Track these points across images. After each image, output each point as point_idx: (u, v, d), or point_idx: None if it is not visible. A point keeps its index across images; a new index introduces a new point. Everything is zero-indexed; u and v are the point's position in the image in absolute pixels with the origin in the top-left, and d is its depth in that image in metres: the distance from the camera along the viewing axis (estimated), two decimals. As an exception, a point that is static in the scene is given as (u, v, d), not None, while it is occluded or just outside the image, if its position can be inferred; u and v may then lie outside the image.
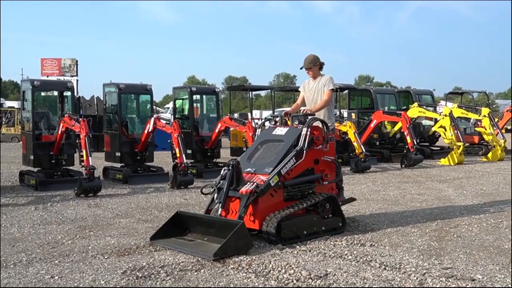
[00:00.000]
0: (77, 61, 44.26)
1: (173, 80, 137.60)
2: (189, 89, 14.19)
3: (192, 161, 13.27)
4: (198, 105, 15.23)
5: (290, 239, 6.15)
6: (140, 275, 4.93)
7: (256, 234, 6.24)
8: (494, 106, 44.92)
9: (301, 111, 7.08)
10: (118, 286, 4.66)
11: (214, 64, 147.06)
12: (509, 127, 24.04)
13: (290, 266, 5.17)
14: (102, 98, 15.01)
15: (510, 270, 5.07)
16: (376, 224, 7.27)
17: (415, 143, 14.90)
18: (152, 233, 6.45)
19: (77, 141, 10.59)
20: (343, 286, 4.63)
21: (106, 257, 5.64)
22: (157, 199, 9.74)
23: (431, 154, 17.84)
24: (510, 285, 4.65)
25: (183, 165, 11.04)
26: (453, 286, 4.62)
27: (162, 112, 35.01)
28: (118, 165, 12.67)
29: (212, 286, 4.66)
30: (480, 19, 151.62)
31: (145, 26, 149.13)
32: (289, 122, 7.26)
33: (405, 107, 18.59)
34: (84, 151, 10.10)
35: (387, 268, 5.12)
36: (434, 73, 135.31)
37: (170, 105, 29.40)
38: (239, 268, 5.16)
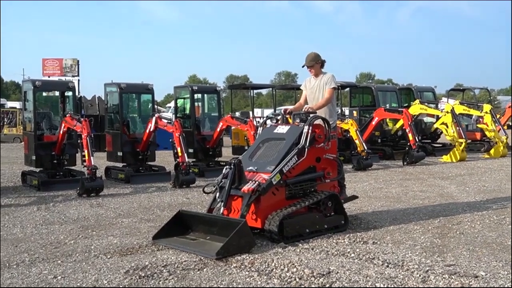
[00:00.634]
0: (78, 61, 44.36)
1: (175, 79, 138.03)
2: (190, 88, 14.18)
3: (194, 160, 13.26)
4: (200, 104, 15.21)
5: (293, 237, 6.14)
6: (143, 275, 4.93)
7: (259, 233, 6.24)
8: (496, 102, 44.88)
9: (303, 110, 7.07)
10: (121, 286, 4.66)
11: (215, 63, 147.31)
12: (511, 124, 24.00)
13: (293, 264, 5.17)
14: (103, 98, 15.03)
15: (511, 266, 5.07)
16: (378, 221, 7.26)
17: (417, 140, 14.88)
18: (154, 232, 6.45)
19: (79, 141, 10.59)
20: (346, 284, 4.62)
21: (108, 256, 5.64)
22: (159, 198, 9.75)
23: (433, 151, 17.82)
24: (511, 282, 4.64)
25: (185, 164, 11.04)
26: (456, 283, 4.61)
27: (164, 112, 35.04)
28: (120, 164, 12.67)
29: (215, 285, 4.65)
30: (482, 15, 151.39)
31: (146, 26, 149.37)
32: (290, 120, 7.26)
33: (406, 104, 18.56)
34: (86, 151, 10.10)
35: (389, 266, 5.11)
36: (435, 70, 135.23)
37: (172, 104, 29.43)
38: (242, 266, 5.16)
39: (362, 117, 17.88)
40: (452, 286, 4.55)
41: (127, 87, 12.73)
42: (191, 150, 13.07)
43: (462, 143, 15.83)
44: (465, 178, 11.92)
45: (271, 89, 22.79)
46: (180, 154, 11.12)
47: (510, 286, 4.53)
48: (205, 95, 15.45)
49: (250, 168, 6.42)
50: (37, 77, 15.67)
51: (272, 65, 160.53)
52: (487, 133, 17.90)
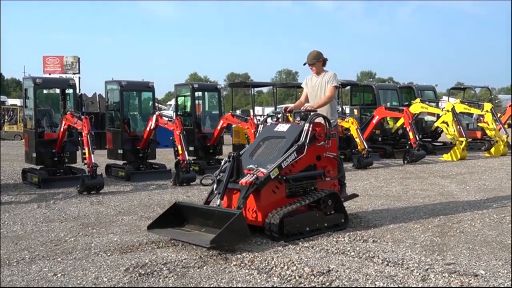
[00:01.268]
0: (79, 58, 44.36)
1: (175, 77, 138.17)
2: (191, 86, 14.18)
3: (195, 158, 13.27)
4: (200, 102, 15.21)
5: (293, 236, 6.14)
6: (143, 272, 4.93)
7: (259, 231, 6.24)
8: (496, 101, 44.78)
9: (304, 108, 7.07)
10: (121, 283, 4.67)
11: (216, 61, 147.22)
12: (511, 122, 23.96)
13: (293, 262, 5.17)
14: (104, 96, 15.04)
15: (511, 265, 5.08)
16: (378, 220, 7.27)
17: (418, 138, 14.88)
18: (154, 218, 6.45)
19: (79, 138, 10.60)
20: (345, 282, 4.62)
21: (108, 254, 5.65)
22: (160, 196, 9.75)
23: (433, 149, 17.82)
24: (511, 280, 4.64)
25: (185, 162, 11.05)
26: (456, 281, 4.61)
27: (164, 109, 34.98)
28: (120, 162, 12.68)
29: (215, 283, 4.66)
30: (483, 14, 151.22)
31: (147, 23, 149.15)
32: (290, 118, 7.26)
33: (407, 103, 18.55)
34: (86, 149, 10.11)
35: (389, 264, 5.11)
36: (436, 68, 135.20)
37: (172, 102, 29.43)
38: (242, 264, 5.16)
39: (363, 116, 17.88)
40: (451, 284, 4.55)
41: (128, 85, 12.74)
42: (191, 148, 13.08)
43: (462, 141, 15.83)
44: (466, 177, 11.92)
45: (271, 87, 22.78)
46: (180, 152, 11.12)
47: (510, 285, 4.53)
48: (206, 93, 15.45)
49: (250, 166, 6.42)
50: (38, 75, 15.71)
51: (273, 63, 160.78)
52: (487, 132, 17.89)
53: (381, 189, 10.33)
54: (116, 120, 12.78)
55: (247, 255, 5.44)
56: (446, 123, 16.43)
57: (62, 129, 11.07)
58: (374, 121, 16.10)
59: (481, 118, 18.26)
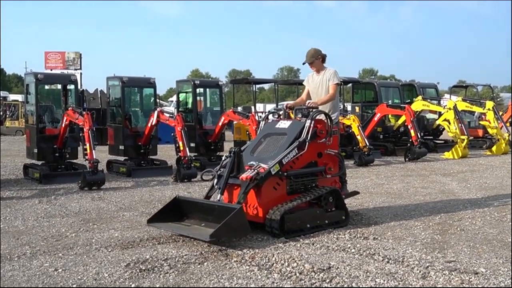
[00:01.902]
0: (80, 54, 44.27)
1: (177, 73, 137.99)
2: (192, 83, 14.18)
3: (196, 154, 13.28)
4: (202, 98, 15.21)
5: (294, 232, 6.15)
6: (144, 268, 4.94)
7: (260, 227, 6.24)
8: (498, 99, 44.70)
9: (306, 104, 7.06)
10: (121, 279, 4.68)
11: (217, 57, 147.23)
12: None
13: (293, 259, 5.18)
14: (105, 92, 15.03)
15: (510, 263, 5.08)
16: (379, 217, 7.27)
17: (419, 136, 14.87)
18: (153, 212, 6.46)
19: (80, 134, 10.60)
20: (346, 279, 4.63)
21: (109, 250, 5.66)
22: (161, 192, 9.76)
23: (435, 147, 17.80)
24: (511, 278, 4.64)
25: (186, 158, 11.05)
26: (456, 279, 4.61)
27: (166, 106, 34.97)
28: (121, 158, 12.69)
29: (215, 279, 4.66)
30: (485, 11, 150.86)
31: (149, 20, 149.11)
32: (292, 115, 7.26)
33: (409, 101, 18.53)
34: (87, 145, 10.11)
35: (390, 261, 5.12)
36: (438, 66, 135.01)
37: (174, 98, 29.38)
38: (242, 261, 5.17)
39: (365, 113, 17.86)
40: (452, 282, 4.55)
41: (129, 81, 12.73)
42: (193, 144, 13.10)
43: (464, 139, 15.81)
44: (467, 175, 11.91)
45: (273, 84, 22.77)
46: (181, 148, 11.12)
47: (510, 283, 4.53)
48: (207, 89, 15.44)
49: (252, 162, 6.41)
50: (40, 70, 15.71)
51: (274, 60, 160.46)
52: (489, 130, 17.87)
53: (382, 186, 10.32)
54: (118, 116, 12.78)
55: (248, 252, 5.44)
56: (448, 121, 16.41)
57: (63, 125, 11.08)
58: (376, 118, 16.09)
59: (483, 116, 18.25)
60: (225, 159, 6.57)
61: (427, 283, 4.54)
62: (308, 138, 6.54)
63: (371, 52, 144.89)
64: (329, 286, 4.49)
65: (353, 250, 5.51)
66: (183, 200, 6.59)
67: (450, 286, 4.47)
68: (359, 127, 14.30)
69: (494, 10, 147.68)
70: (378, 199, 8.83)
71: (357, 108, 18.24)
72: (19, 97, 35.53)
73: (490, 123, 17.49)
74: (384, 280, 4.59)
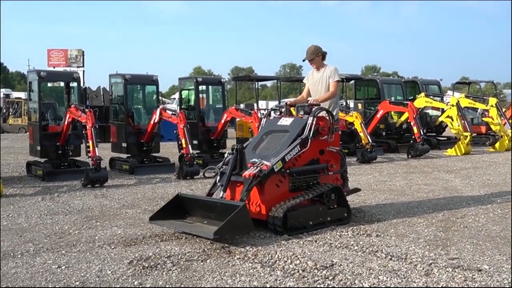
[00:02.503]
0: (83, 51, 44.30)
1: (179, 70, 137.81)
2: (195, 80, 14.17)
3: (198, 151, 13.28)
4: (204, 95, 15.22)
5: (296, 230, 6.14)
6: (147, 265, 4.95)
7: (262, 224, 6.24)
8: (501, 96, 44.56)
9: (308, 102, 7.06)
10: (124, 276, 4.68)
11: (220, 54, 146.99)
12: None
13: (296, 256, 5.18)
14: (108, 89, 15.04)
15: (510, 259, 5.07)
16: (382, 214, 7.26)
17: (422, 133, 14.83)
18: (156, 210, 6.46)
19: (83, 131, 10.61)
20: (349, 276, 4.62)
21: (112, 247, 5.66)
22: (163, 189, 9.77)
23: (437, 144, 17.78)
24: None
25: (189, 155, 11.05)
26: (460, 276, 4.61)
27: (168, 103, 35.00)
28: (124, 155, 12.69)
29: (218, 276, 4.67)
30: (488, 8, 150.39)
31: (151, 17, 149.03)
32: (293, 112, 7.25)
33: (411, 97, 18.48)
34: (90, 142, 10.12)
35: (393, 259, 5.11)
36: (441, 63, 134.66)
37: (176, 95, 29.39)
38: (245, 258, 5.17)
39: (367, 110, 17.83)
40: (455, 279, 4.54)
41: (132, 78, 12.74)
42: (195, 142, 13.10)
43: (467, 136, 15.78)
44: (470, 172, 11.89)
45: (276, 81, 22.75)
46: (184, 145, 11.12)
47: (511, 280, 4.52)
48: (210, 86, 15.44)
49: (254, 160, 6.40)
50: (42, 68, 15.71)
51: (277, 57, 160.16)
52: (492, 126, 17.83)
53: (385, 183, 10.31)
54: (120, 114, 12.78)
55: (251, 249, 5.45)
56: (451, 117, 16.38)
57: (66, 122, 11.08)
58: (378, 115, 16.05)
59: (486, 113, 18.20)
60: (227, 157, 6.57)
61: (430, 280, 4.54)
62: (311, 135, 6.54)
63: (374, 49, 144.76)
64: (332, 283, 4.49)
65: (356, 247, 5.51)
66: (185, 198, 6.59)
67: (453, 283, 4.46)
68: (362, 124, 14.28)
69: (497, 6, 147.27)
70: (381, 196, 8.82)
71: (359, 105, 18.20)
72: (22, 95, 35.56)
73: (493, 119, 17.45)
74: (387, 277, 4.58)
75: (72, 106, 10.91)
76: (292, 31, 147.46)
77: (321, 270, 4.77)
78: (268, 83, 74.78)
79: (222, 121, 13.33)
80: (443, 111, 17.32)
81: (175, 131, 11.39)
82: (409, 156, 14.87)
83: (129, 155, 12.56)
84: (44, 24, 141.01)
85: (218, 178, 6.43)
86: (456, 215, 7.19)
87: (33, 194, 9.35)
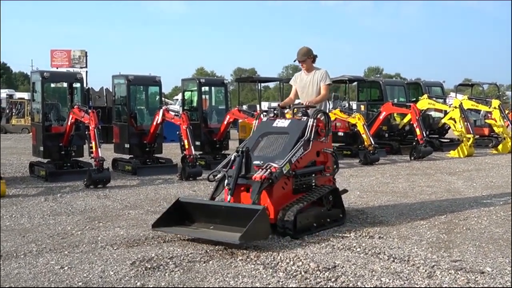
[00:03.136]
0: (86, 52, 44.42)
1: (182, 71, 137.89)
2: (198, 81, 14.18)
3: (201, 152, 13.28)
4: (207, 96, 15.21)
5: (303, 232, 6.11)
6: (149, 266, 4.95)
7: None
8: (504, 98, 44.48)
9: (304, 103, 7.02)
10: (127, 277, 4.69)
11: (223, 56, 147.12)
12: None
13: (299, 258, 5.18)
14: (111, 90, 15.06)
15: (510, 261, 5.06)
16: (384, 216, 7.25)
17: (425, 135, 14.84)
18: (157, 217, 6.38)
19: (86, 132, 10.62)
20: (351, 278, 4.62)
21: (115, 248, 5.67)
22: (166, 190, 9.77)
23: (440, 146, 17.75)
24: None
25: (191, 156, 11.06)
26: (462, 278, 4.60)
27: (171, 104, 35.04)
28: (127, 156, 12.70)
29: (220, 277, 4.67)
30: (491, 9, 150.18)
31: (154, 18, 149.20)
32: (288, 115, 7.22)
33: (414, 99, 18.48)
34: (93, 143, 10.14)
35: (395, 261, 5.11)
36: (444, 65, 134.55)
37: (179, 96, 29.44)
38: (248, 259, 5.17)
39: (370, 112, 17.82)
40: (458, 281, 4.54)
41: (135, 79, 12.75)
42: (198, 143, 13.09)
43: (470, 138, 15.76)
44: (473, 174, 11.87)
45: (278, 82, 22.73)
46: (187, 146, 11.13)
47: (516, 283, 4.51)
48: (213, 88, 15.43)
49: (256, 162, 6.33)
50: (46, 68, 15.75)
51: (279, 58, 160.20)
52: (495, 128, 17.80)
53: (388, 185, 10.31)
54: (123, 114, 12.80)
55: (253, 250, 5.44)
56: (454, 119, 16.36)
57: (69, 123, 11.10)
58: (381, 117, 16.05)
59: (489, 115, 18.18)
60: (233, 159, 6.43)
61: (432, 282, 4.53)
62: (312, 137, 6.54)
63: (377, 50, 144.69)
64: (334, 285, 4.49)
65: (358, 249, 5.51)
66: (188, 203, 6.44)
67: (456, 286, 4.46)
68: (364, 126, 14.28)
69: (500, 8, 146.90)
70: (384, 198, 8.82)
71: (362, 107, 18.19)
72: (25, 95, 35.65)
73: (496, 121, 17.42)
74: (389, 279, 4.58)
75: (75, 106, 10.94)
76: (295, 33, 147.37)
77: (324, 272, 4.76)
78: (271, 85, 74.71)
79: (225, 122, 13.34)
80: (446, 113, 17.31)
81: (177, 132, 11.39)
82: (412, 158, 14.86)
83: (131, 156, 12.57)
84: (47, 25, 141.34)
85: (226, 181, 6.22)
86: (459, 217, 7.18)
87: (36, 194, 9.36)
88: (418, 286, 4.45)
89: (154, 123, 12.06)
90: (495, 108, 17.28)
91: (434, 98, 17.37)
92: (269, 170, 6.04)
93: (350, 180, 10.91)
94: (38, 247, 5.72)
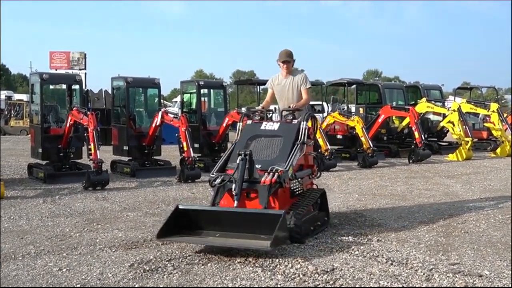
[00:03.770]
0: (85, 54, 44.36)
1: (181, 74, 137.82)
2: (196, 83, 14.20)
3: (200, 155, 13.27)
4: (206, 99, 15.23)
5: (305, 236, 6.07)
6: (147, 268, 4.95)
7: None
8: (503, 101, 44.56)
9: (292, 106, 6.94)
10: (125, 279, 4.69)
11: (222, 58, 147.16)
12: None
13: (297, 260, 5.18)
14: (110, 92, 15.07)
15: (511, 265, 5.07)
16: (383, 219, 7.26)
17: (423, 138, 14.85)
18: (159, 226, 6.27)
19: (85, 134, 10.63)
20: (349, 281, 4.62)
21: (113, 250, 5.67)
22: (165, 193, 9.77)
23: (439, 149, 17.76)
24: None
25: (190, 159, 11.06)
26: (460, 281, 4.61)
27: (170, 106, 35.06)
28: (125, 158, 12.71)
29: (219, 280, 4.67)
30: (490, 13, 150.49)
31: (153, 20, 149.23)
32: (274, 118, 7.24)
33: (413, 102, 18.51)
34: (92, 145, 10.14)
35: (394, 264, 5.11)
36: (443, 68, 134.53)
37: (178, 99, 29.43)
38: (246, 262, 5.17)
39: (369, 115, 17.83)
40: (456, 285, 4.54)
41: (134, 81, 12.76)
42: (196, 145, 13.10)
43: (468, 141, 15.77)
44: (471, 177, 11.89)
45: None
46: (185, 148, 11.14)
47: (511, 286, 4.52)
48: (212, 90, 15.46)
49: (258, 166, 6.23)
50: (45, 70, 15.73)
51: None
52: (493, 132, 17.82)
53: (386, 188, 10.31)
54: (122, 117, 12.81)
55: (251, 253, 5.44)
56: (452, 122, 16.37)
57: (68, 125, 11.11)
58: (380, 120, 16.06)
59: (487, 118, 18.19)
60: (237, 166, 6.30)
61: (431, 285, 4.54)
62: (305, 140, 6.52)
63: (375, 53, 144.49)
64: (332, 287, 4.49)
65: (356, 252, 5.51)
66: (190, 210, 6.15)
67: (454, 289, 4.46)
68: (363, 129, 14.30)
69: (499, 11, 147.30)
70: (382, 200, 8.82)
71: (361, 110, 18.21)
72: (24, 97, 35.66)
73: (494, 125, 17.43)
74: (387, 282, 4.58)
75: (74, 108, 10.94)
76: (294, 35, 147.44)
77: (322, 275, 4.76)
78: (270, 87, 74.81)
79: (224, 124, 13.35)
80: (444, 116, 17.32)
81: (176, 134, 11.40)
82: (410, 161, 14.87)
83: (130, 158, 12.58)
84: (46, 26, 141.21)
85: (234, 186, 5.96)
86: (457, 220, 7.19)
87: (34, 196, 9.36)
88: (416, 289, 4.46)
89: (153, 125, 12.06)
90: (493, 111, 17.31)
91: (432, 101, 17.41)
92: (276, 173, 5.95)
93: (348, 183, 10.92)
94: (36, 249, 5.71)
